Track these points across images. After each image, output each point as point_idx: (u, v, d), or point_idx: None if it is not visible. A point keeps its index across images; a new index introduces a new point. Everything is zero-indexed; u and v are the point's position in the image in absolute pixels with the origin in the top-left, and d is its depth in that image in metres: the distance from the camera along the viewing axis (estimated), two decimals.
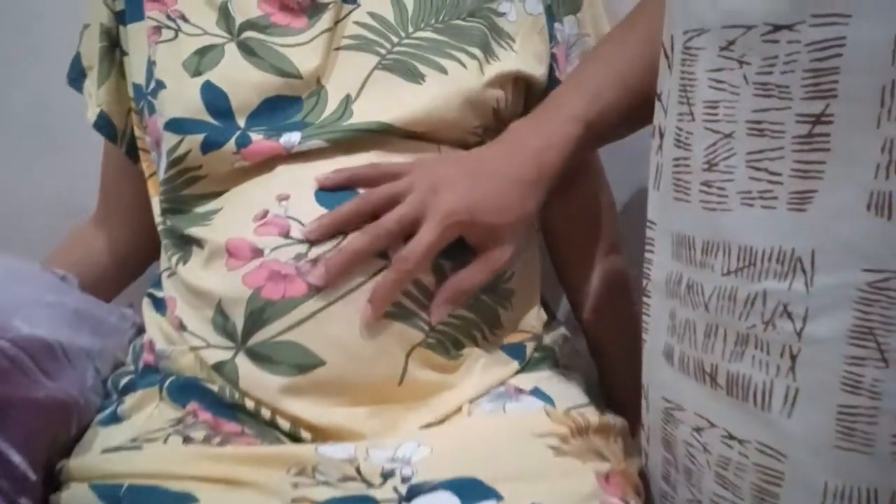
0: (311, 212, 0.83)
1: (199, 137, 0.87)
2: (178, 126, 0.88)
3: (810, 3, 0.55)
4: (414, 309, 0.82)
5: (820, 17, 0.55)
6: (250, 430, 0.80)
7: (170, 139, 0.89)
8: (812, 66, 0.55)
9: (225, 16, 0.93)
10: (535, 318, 0.93)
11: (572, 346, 0.98)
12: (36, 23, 1.32)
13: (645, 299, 0.75)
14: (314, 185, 0.85)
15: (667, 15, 0.69)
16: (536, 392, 0.84)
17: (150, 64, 0.94)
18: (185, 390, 0.83)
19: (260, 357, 0.80)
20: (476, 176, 0.84)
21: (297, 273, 0.80)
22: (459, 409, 0.82)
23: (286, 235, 0.82)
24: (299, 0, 0.93)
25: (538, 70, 0.96)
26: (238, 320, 0.81)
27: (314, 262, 0.80)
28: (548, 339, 0.93)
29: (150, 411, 0.83)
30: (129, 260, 1.12)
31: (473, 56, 0.91)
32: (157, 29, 0.94)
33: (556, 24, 0.99)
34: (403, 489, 0.70)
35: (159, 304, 0.92)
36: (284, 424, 0.79)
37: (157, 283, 0.95)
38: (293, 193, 0.84)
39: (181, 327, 0.86)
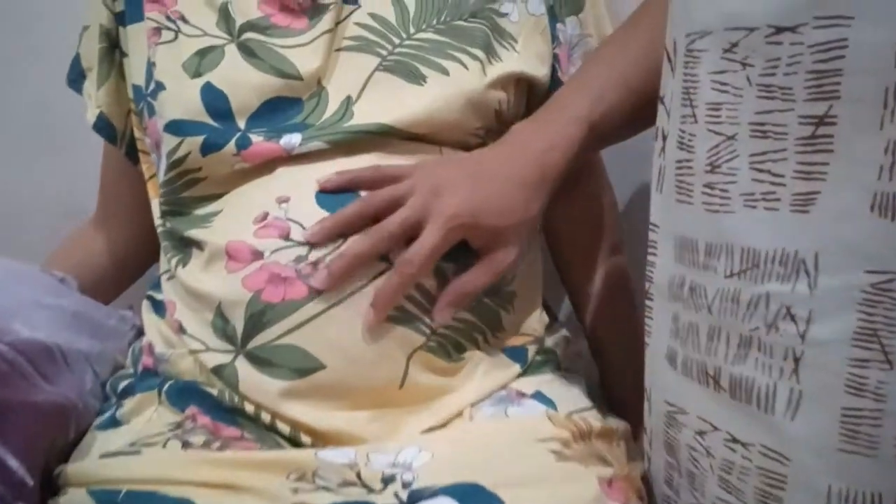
0: (311, 214, 0.82)
1: (199, 139, 0.87)
2: (177, 128, 0.88)
3: (813, 4, 0.55)
4: (415, 312, 0.82)
5: (823, 18, 0.54)
6: (250, 434, 0.79)
7: (169, 141, 0.88)
8: (815, 68, 0.55)
9: (225, 17, 0.93)
10: (536, 320, 0.92)
11: (574, 349, 0.97)
12: (36, 23, 1.32)
13: (647, 302, 0.74)
14: (315, 187, 0.84)
15: (669, 18, 0.69)
16: (538, 396, 0.84)
17: (150, 65, 0.94)
18: (185, 394, 0.82)
19: (260, 360, 0.80)
20: (478, 178, 0.84)
21: (298, 276, 0.80)
22: (461, 413, 0.82)
23: (286, 238, 0.82)
24: (300, 1, 0.93)
25: (540, 71, 0.96)
26: (238, 323, 0.81)
27: (314, 264, 0.80)
28: (549, 342, 0.92)
29: (148, 415, 0.83)
30: (129, 262, 1.12)
31: (475, 57, 0.91)
32: (157, 30, 0.94)
33: (559, 25, 0.99)
34: (404, 495, 0.70)
35: (159, 307, 0.92)
36: (284, 428, 0.79)
37: (157, 286, 0.95)
38: (293, 195, 0.84)
39: (180, 330, 0.85)
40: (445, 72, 0.89)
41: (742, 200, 0.61)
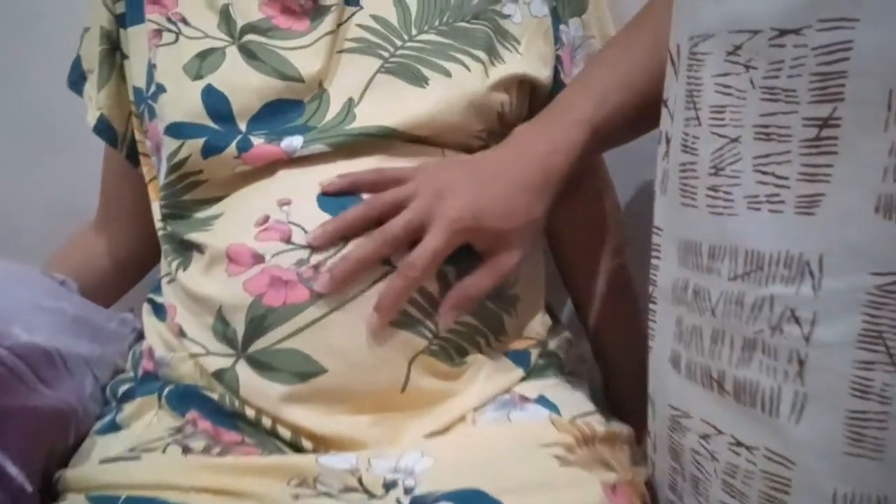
0: (313, 217, 0.82)
1: (200, 142, 0.87)
2: (178, 130, 0.88)
3: (817, 7, 0.55)
4: (417, 316, 0.82)
5: (827, 21, 0.54)
6: (250, 439, 0.79)
7: (170, 143, 0.88)
8: (819, 70, 0.55)
9: (226, 19, 0.93)
10: (539, 323, 0.92)
11: (577, 351, 0.97)
12: (36, 23, 1.32)
13: (651, 306, 0.74)
14: (316, 190, 0.84)
15: (672, 22, 0.69)
16: (541, 400, 0.83)
17: (151, 67, 0.94)
18: (185, 398, 0.82)
19: (261, 364, 0.80)
20: (482, 181, 0.84)
21: (299, 279, 0.80)
22: (463, 418, 0.82)
23: (287, 241, 0.81)
24: (301, 2, 0.92)
25: (543, 73, 0.96)
26: (239, 327, 0.81)
27: (316, 268, 0.80)
28: (552, 345, 0.92)
29: (148, 420, 0.83)
30: (130, 264, 1.12)
31: (478, 59, 0.90)
32: (158, 32, 0.94)
33: (562, 27, 0.98)
34: (406, 500, 0.70)
35: (159, 310, 0.92)
36: (285, 433, 0.79)
37: (157, 289, 0.94)
38: (295, 198, 0.84)
39: (181, 334, 0.85)
40: (448, 73, 0.89)
41: (746, 203, 0.61)
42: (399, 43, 0.91)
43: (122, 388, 0.88)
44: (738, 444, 0.63)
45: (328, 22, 0.91)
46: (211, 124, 0.87)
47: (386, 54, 0.90)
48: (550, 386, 0.86)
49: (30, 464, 0.71)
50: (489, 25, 0.93)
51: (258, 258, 0.81)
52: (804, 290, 0.58)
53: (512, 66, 0.92)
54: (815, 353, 0.58)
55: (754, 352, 0.61)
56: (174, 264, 0.89)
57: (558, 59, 0.98)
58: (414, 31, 0.92)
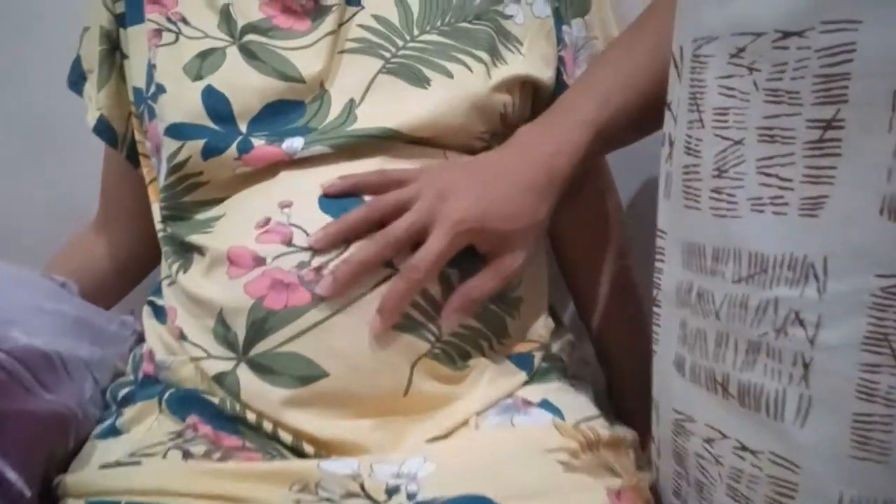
0: (314, 219, 0.82)
1: (200, 143, 0.86)
2: (178, 131, 0.88)
3: (820, 9, 0.55)
4: (420, 319, 0.81)
5: (830, 23, 0.54)
6: (251, 443, 0.79)
7: (170, 145, 0.88)
8: (822, 72, 0.55)
9: (226, 19, 0.92)
10: (542, 326, 0.92)
11: (580, 354, 0.97)
12: (36, 23, 1.32)
13: (655, 309, 0.74)
14: (317, 192, 0.84)
15: (676, 25, 0.69)
16: (545, 404, 0.83)
17: (151, 67, 0.94)
18: (185, 403, 0.82)
19: (262, 368, 0.79)
20: (485, 182, 0.83)
21: (300, 282, 0.79)
22: (466, 422, 0.81)
23: (289, 243, 0.81)
24: (302, 2, 0.92)
25: (546, 74, 0.96)
26: (239, 330, 0.80)
27: (318, 270, 0.80)
28: (555, 348, 0.92)
29: (149, 424, 0.82)
30: (131, 266, 1.12)
31: (480, 60, 0.90)
32: (158, 32, 0.93)
33: (564, 27, 0.98)
34: None
35: (160, 313, 0.92)
36: (286, 437, 0.79)
37: (158, 291, 0.94)
38: (296, 200, 0.83)
39: (181, 337, 0.85)
40: (450, 74, 0.89)
41: (749, 205, 0.61)
42: (401, 43, 0.91)
43: (123, 392, 0.87)
44: (743, 448, 0.63)
45: (329, 22, 0.91)
46: (211, 125, 0.87)
47: (387, 55, 0.90)
48: (554, 390, 0.86)
49: (29, 468, 0.71)
50: (491, 26, 0.93)
51: (259, 260, 0.81)
52: (809, 293, 0.58)
53: (514, 67, 0.92)
54: (820, 356, 0.58)
55: (759, 355, 0.61)
56: (174, 266, 0.89)
57: (561, 60, 0.98)
58: (416, 32, 0.91)
